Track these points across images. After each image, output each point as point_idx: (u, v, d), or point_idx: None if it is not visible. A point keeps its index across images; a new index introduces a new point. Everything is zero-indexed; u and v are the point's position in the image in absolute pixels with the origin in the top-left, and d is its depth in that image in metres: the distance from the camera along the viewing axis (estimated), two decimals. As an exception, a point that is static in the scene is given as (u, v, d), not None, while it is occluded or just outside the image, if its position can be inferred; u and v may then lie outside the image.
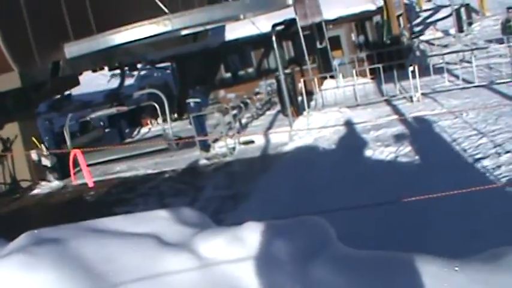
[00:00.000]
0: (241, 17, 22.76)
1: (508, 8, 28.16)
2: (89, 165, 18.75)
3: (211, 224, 4.88)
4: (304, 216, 4.34)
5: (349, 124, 17.06)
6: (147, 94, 22.36)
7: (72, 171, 10.09)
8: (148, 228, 4.41)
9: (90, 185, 7.88)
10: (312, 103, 21.41)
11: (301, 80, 21.26)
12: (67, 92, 25.11)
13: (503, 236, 7.07)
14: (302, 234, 4.06)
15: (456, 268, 3.67)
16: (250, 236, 4.08)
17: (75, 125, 22.24)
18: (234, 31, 26.62)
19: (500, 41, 24.37)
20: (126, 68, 26.74)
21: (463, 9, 36.61)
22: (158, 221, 4.54)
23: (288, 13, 23.61)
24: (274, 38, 18.70)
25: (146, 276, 3.80)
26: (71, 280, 3.84)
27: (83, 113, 21.43)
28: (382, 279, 3.68)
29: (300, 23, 23.33)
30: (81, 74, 24.09)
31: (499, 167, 10.40)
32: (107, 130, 23.52)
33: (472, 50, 21.56)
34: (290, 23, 23.17)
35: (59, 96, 23.72)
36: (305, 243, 3.97)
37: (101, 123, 24.09)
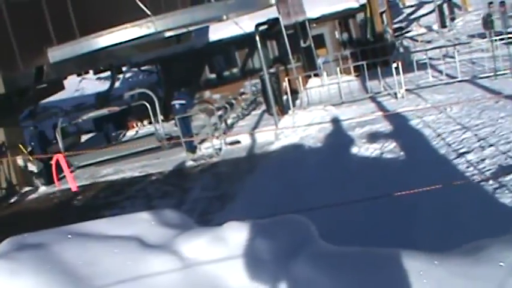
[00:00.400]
0: (224, 17, 22.74)
1: (489, 3, 28.30)
2: (79, 168, 18.95)
3: (194, 225, 4.89)
4: (285, 215, 4.36)
5: (334, 122, 17.09)
6: (138, 94, 22.29)
7: (55, 177, 10.03)
8: (130, 231, 4.42)
9: (74, 189, 7.87)
10: (297, 102, 21.41)
11: (286, 79, 21.27)
12: (45, 100, 24.94)
13: (485, 228, 7.11)
14: (283, 232, 4.08)
15: (435, 262, 3.70)
16: (232, 235, 4.10)
17: (51, 132, 22.04)
18: (218, 32, 26.63)
19: (482, 36, 24.52)
20: (116, 70, 26.69)
21: (445, 5, 36.82)
22: (140, 223, 4.55)
23: (271, 12, 23.62)
24: (257, 38, 18.67)
25: (128, 279, 3.80)
26: (54, 284, 3.84)
27: (74, 116, 21.30)
28: (363, 275, 3.70)
29: (283, 22, 23.34)
30: (65, 78, 24.00)
31: (483, 160, 10.47)
32: (91, 134, 23.36)
33: (454, 45, 21.67)
34: (273, 23, 23.19)
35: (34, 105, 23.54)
36: (287, 242, 3.99)
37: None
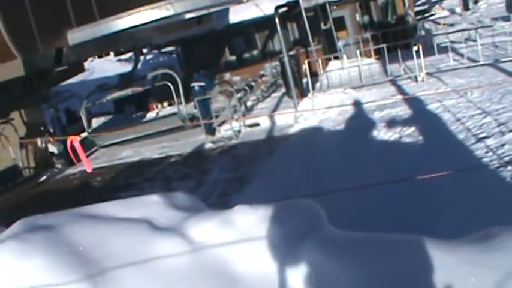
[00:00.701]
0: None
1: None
2: (103, 147, 19.08)
3: (204, 208, 4.89)
4: (295, 199, 4.34)
5: (354, 105, 16.97)
6: (161, 75, 22.29)
7: (73, 158, 10.11)
8: (140, 213, 4.42)
9: (89, 170, 7.91)
10: (317, 85, 21.30)
11: (305, 61, 21.16)
12: (66, 82, 25.03)
13: (502, 214, 7.05)
14: (292, 217, 4.06)
15: (446, 249, 3.66)
16: (240, 219, 4.09)
17: (63, 116, 22.16)
18: (238, 14, 26.50)
19: (506, 19, 24.15)
20: (139, 50, 26.69)
21: (469, -13, 36.35)
22: (151, 205, 4.56)
23: (291, -5, 23.49)
24: (277, 20, 18.57)
25: (137, 261, 3.81)
26: (63, 265, 3.86)
27: (98, 96, 21.28)
28: (371, 260, 3.68)
29: (303, 5, 23.16)
30: (85, 60, 24.07)
31: (502, 145, 10.35)
32: (110, 116, 23.40)
33: (476, 28, 21.37)
34: (293, 5, 23.05)
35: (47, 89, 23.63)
36: (295, 226, 3.97)
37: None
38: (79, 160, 8.17)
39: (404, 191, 8.49)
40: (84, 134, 18.68)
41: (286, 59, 18.88)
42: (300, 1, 22.83)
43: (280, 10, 20.39)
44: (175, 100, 18.39)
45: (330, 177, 10.97)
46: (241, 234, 3.99)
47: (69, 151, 8.08)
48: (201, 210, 4.66)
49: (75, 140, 7.16)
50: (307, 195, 9.28)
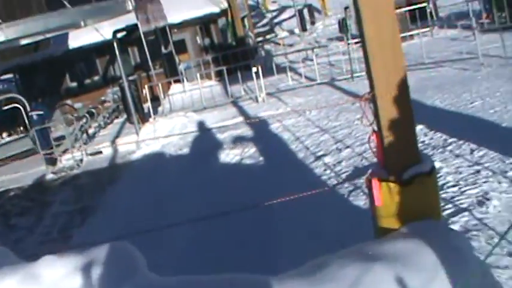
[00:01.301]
0: (82, 24, 21.98)
1: (345, 8, 29.04)
2: None
3: (11, 259, 4.34)
4: (112, 242, 3.92)
5: (195, 128, 16.86)
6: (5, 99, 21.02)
7: None
8: None
9: None
10: (160, 109, 20.99)
11: (146, 86, 20.77)
12: None
13: (341, 234, 6.99)
14: (105, 265, 3.64)
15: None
16: (47, 272, 3.61)
17: None
18: (78, 39, 25.76)
19: (340, 39, 25.07)
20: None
21: (306, 10, 37.58)
22: None
23: (132, 19, 23.13)
24: (116, 45, 18.11)
25: None
26: None
27: None
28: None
29: (142, 29, 22.89)
30: None
31: (339, 162, 10.46)
32: None
33: (313, 48, 21.97)
34: (132, 29, 22.68)
35: None
36: (106, 275, 3.56)
37: None
38: None
39: (244, 219, 8.26)
40: None
41: (126, 84, 18.41)
42: (139, 25, 22.49)
43: (119, 34, 19.97)
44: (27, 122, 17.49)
45: (173, 205, 10.67)
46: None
47: None
48: (6, 263, 4.11)
49: None
50: (149, 225, 8.98)
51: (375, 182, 4.24)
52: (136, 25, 22.53)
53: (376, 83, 4.17)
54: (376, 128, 4.38)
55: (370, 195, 4.38)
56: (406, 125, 4.25)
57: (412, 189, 4.21)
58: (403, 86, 4.16)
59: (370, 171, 4.46)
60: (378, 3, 4.05)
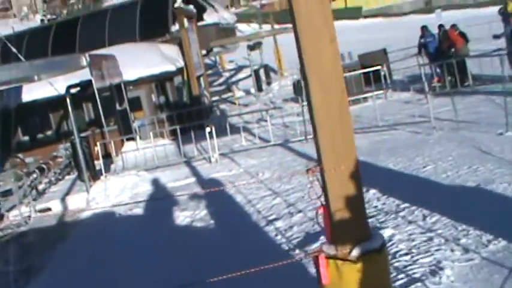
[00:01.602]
0: (36, 78, 21.67)
1: (300, 69, 29.31)
2: None
3: None
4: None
5: (146, 188, 16.57)
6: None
7: None
8: None
9: None
10: (112, 166, 20.62)
11: (98, 143, 20.41)
12: None
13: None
14: None
15: None
16: None
17: None
18: (33, 92, 25.35)
19: (295, 100, 25.16)
20: None
21: (262, 70, 37.83)
22: None
23: (87, 74, 22.91)
24: (68, 101, 17.90)
25: None
26: None
27: None
28: None
29: (96, 85, 22.63)
30: None
31: (291, 227, 10.25)
32: None
33: (267, 110, 21.96)
34: (87, 85, 22.46)
35: None
36: None
37: None
38: None
39: None
40: None
41: (77, 141, 18.13)
42: (93, 81, 22.29)
43: (73, 90, 19.79)
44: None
45: (121, 267, 10.46)
46: None
47: None
48: None
49: None
50: None
51: (321, 259, 4.03)
52: (90, 81, 22.30)
53: (323, 155, 3.99)
54: (324, 202, 4.18)
55: (318, 273, 4.16)
56: (355, 199, 4.06)
57: (361, 266, 4.01)
58: (352, 158, 3.99)
59: (318, 246, 4.25)
60: (326, 70, 3.90)
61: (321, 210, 4.25)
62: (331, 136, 3.95)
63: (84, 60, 20.16)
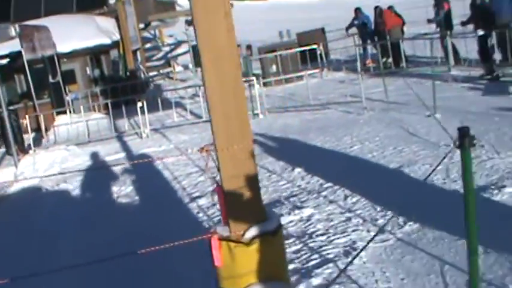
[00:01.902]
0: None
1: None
2: None
3: None
4: None
5: (76, 163, 16.24)
6: None
7: None
8: None
9: None
10: (44, 140, 20.17)
11: (27, 116, 19.88)
12: None
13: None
14: None
15: None
16: None
17: None
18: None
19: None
20: None
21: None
22: None
23: (17, 45, 22.32)
24: (-4, 72, 17.37)
25: None
26: None
27: None
28: None
29: (27, 56, 22.05)
30: None
31: (213, 205, 10.14)
32: None
33: (200, 86, 21.74)
34: (16, 56, 21.87)
35: None
36: None
37: None
38: None
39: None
40: None
41: (5, 114, 17.60)
42: (23, 52, 21.70)
43: (1, 61, 19.22)
44: None
45: (49, 243, 10.10)
46: None
47: None
48: None
49: None
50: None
51: (214, 241, 3.92)
52: (20, 52, 21.69)
53: (216, 134, 3.88)
54: (219, 182, 4.08)
55: (211, 255, 4.05)
56: (250, 180, 3.96)
57: (255, 249, 3.92)
58: (247, 138, 3.88)
59: (212, 228, 4.14)
60: (220, 45, 3.76)
61: (217, 190, 4.14)
62: (224, 116, 3.83)
63: (13, 30, 19.65)
